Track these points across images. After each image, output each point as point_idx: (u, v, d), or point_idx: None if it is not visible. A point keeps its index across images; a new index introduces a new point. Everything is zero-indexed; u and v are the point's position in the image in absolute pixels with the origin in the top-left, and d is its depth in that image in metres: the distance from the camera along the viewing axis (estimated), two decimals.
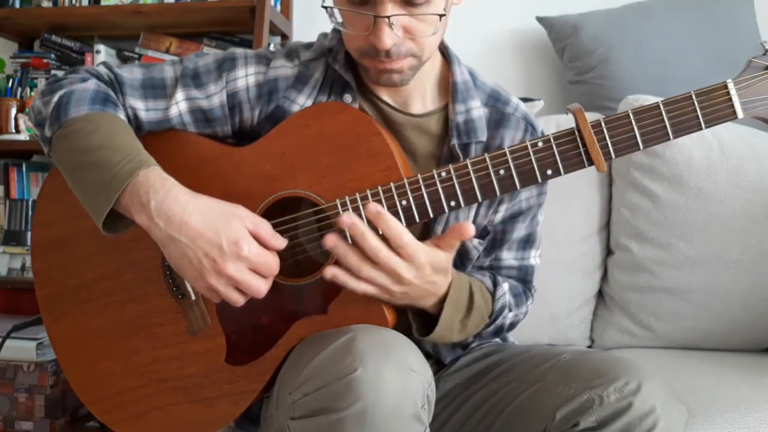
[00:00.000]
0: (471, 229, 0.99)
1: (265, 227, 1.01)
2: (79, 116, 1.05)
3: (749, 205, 1.66)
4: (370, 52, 1.04)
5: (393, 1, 0.99)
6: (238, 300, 1.00)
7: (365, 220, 0.99)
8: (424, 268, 0.99)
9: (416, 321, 1.12)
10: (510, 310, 1.20)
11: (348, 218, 0.97)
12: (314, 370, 0.92)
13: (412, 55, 1.05)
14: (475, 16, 2.22)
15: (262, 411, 1.16)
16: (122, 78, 1.13)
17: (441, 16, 1.02)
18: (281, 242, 1.02)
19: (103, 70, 1.14)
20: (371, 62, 1.06)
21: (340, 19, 1.05)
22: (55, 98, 1.07)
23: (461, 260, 1.19)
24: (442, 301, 1.06)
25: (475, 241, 1.19)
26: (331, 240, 0.98)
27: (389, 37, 1.00)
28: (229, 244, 0.96)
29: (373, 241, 0.97)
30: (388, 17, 0.99)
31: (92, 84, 1.10)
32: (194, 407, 1.11)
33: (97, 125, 1.04)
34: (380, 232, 0.97)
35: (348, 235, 0.98)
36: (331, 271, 0.98)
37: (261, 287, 0.99)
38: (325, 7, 1.06)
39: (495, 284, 1.18)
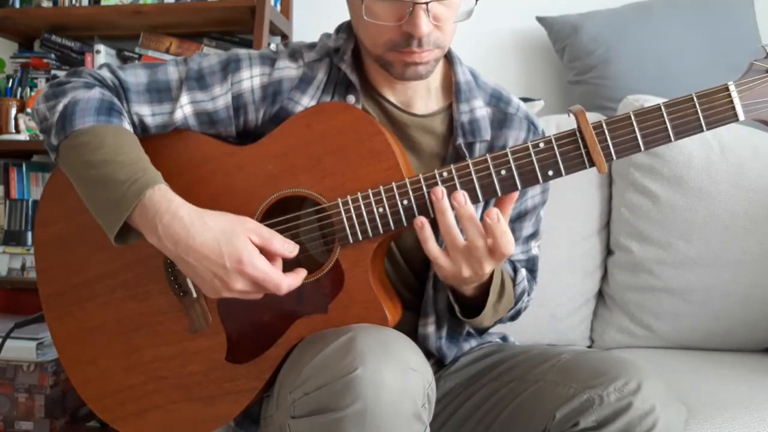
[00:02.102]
0: (514, 194, 1.01)
1: (274, 240, 1.02)
2: (84, 128, 1.05)
3: (749, 205, 1.66)
4: (401, 43, 1.05)
5: None
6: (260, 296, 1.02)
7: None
8: (501, 263, 1.03)
9: (458, 303, 1.14)
10: (528, 295, 1.24)
11: (461, 198, 0.99)
12: (315, 369, 0.92)
13: (438, 46, 1.08)
14: (475, 16, 2.21)
15: (262, 410, 1.16)
16: (127, 84, 1.12)
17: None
18: (293, 249, 1.03)
19: (106, 74, 1.13)
20: (399, 55, 1.07)
21: (364, 11, 1.05)
22: (60, 107, 1.07)
23: None
24: (481, 285, 1.09)
25: None
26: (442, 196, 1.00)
27: (426, 25, 1.03)
28: (232, 262, 0.98)
29: (475, 232, 0.99)
30: (426, 3, 1.01)
31: (96, 93, 1.09)
32: (194, 405, 1.12)
33: (102, 139, 1.04)
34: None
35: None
36: (421, 220, 1.00)
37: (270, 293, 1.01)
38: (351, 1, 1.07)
39: (515, 270, 1.22)
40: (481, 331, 1.28)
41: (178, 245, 0.99)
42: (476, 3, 1.07)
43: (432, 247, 1.01)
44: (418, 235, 1.01)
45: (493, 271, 1.07)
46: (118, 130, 1.07)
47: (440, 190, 1.00)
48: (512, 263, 1.24)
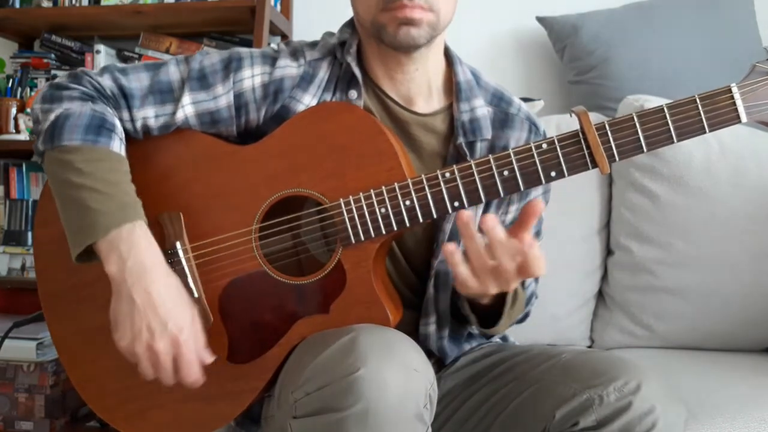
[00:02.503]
0: (542, 205, 0.99)
1: (203, 336, 1.05)
2: (70, 146, 1.05)
3: (749, 205, 1.66)
4: None
5: None
6: (147, 374, 1.04)
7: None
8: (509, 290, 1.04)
9: (474, 313, 1.15)
10: (536, 297, 1.25)
11: (491, 221, 0.96)
12: (316, 370, 0.92)
13: (432, 9, 1.07)
14: (475, 16, 2.22)
15: (263, 410, 1.16)
16: (130, 90, 1.12)
17: None
18: (208, 357, 1.05)
19: (107, 82, 1.12)
20: (391, 13, 1.07)
21: None
22: (52, 116, 1.08)
23: None
24: (496, 295, 1.07)
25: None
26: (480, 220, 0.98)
27: None
28: (175, 326, 1.01)
29: (507, 256, 0.97)
30: None
31: (88, 109, 1.08)
32: (195, 405, 1.11)
33: (84, 160, 1.04)
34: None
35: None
36: (452, 246, 0.98)
37: (169, 379, 1.03)
38: None
39: None
40: (490, 336, 1.28)
41: (137, 284, 1.01)
42: None
43: (462, 271, 0.99)
44: (447, 260, 0.99)
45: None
46: (103, 154, 1.06)
47: (466, 215, 0.96)
48: None
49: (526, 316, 1.28)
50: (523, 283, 1.20)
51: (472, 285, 1.00)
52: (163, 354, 1.01)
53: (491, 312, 1.13)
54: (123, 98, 1.12)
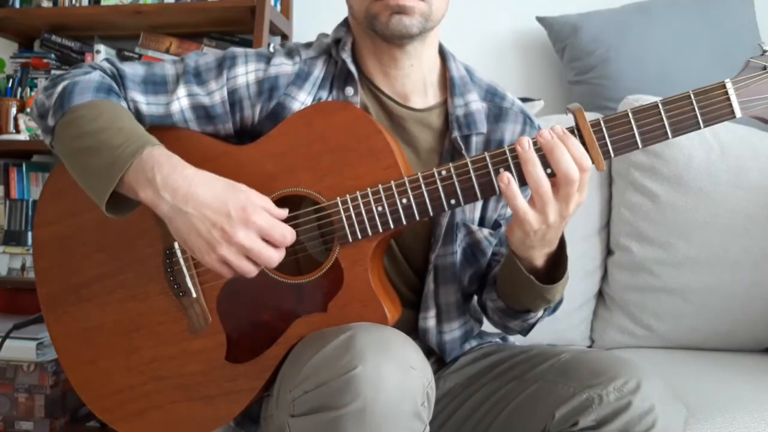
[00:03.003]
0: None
1: (268, 202, 1.02)
2: (82, 103, 1.06)
3: (749, 205, 1.66)
4: None
5: None
6: (251, 270, 1.00)
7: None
8: (566, 218, 1.00)
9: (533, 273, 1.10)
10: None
11: (550, 133, 0.96)
12: (314, 368, 0.92)
13: None
14: (475, 16, 2.22)
15: (262, 410, 1.16)
16: (124, 72, 1.14)
17: None
18: (283, 211, 1.02)
19: (105, 65, 1.15)
20: (383, 2, 1.07)
21: None
22: (59, 89, 1.09)
23: (473, 253, 1.20)
24: (551, 255, 1.06)
25: (486, 231, 1.19)
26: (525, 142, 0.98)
27: None
28: (237, 210, 0.97)
29: (569, 160, 0.96)
30: None
31: (96, 75, 1.11)
32: (194, 405, 1.11)
33: (99, 111, 1.05)
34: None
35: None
36: (507, 176, 0.97)
37: (273, 256, 1.00)
38: None
39: None
40: (464, 342, 1.25)
41: (176, 194, 0.98)
42: None
43: (521, 203, 0.97)
44: (503, 193, 0.97)
45: (561, 242, 1.05)
46: (117, 105, 1.08)
47: (526, 141, 0.97)
48: None
49: (560, 302, 1.21)
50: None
51: (532, 218, 0.98)
52: (248, 241, 0.97)
53: (547, 278, 1.08)
54: (119, 77, 1.13)
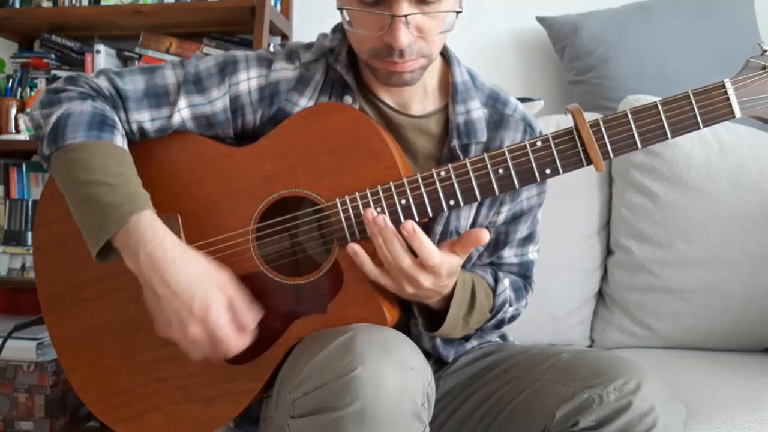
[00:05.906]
0: (486, 235, 1.01)
1: (239, 299, 1.04)
2: (75, 144, 1.06)
3: (749, 205, 1.66)
4: (383, 52, 1.03)
5: (408, 0, 0.99)
6: (196, 358, 1.04)
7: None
8: (441, 277, 1.02)
9: (421, 316, 1.13)
10: (510, 305, 1.22)
11: (381, 221, 1.00)
12: (314, 369, 0.92)
13: (423, 55, 1.05)
14: (475, 16, 2.22)
15: (262, 411, 1.16)
16: (125, 92, 1.12)
17: (458, 12, 1.04)
18: (251, 320, 1.04)
19: (103, 83, 1.13)
20: (382, 64, 1.05)
21: (348, 19, 1.05)
22: (53, 119, 1.08)
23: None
24: (447, 299, 1.08)
25: None
26: (368, 218, 1.01)
27: (405, 36, 1.00)
28: (200, 308, 1.00)
29: (398, 250, 1.00)
30: (405, 16, 0.99)
31: (89, 106, 1.09)
32: (194, 407, 1.11)
33: (91, 158, 1.05)
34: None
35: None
36: (353, 248, 1.01)
37: (217, 356, 1.04)
38: (340, 9, 1.06)
39: (496, 280, 1.20)
40: (456, 341, 1.25)
41: (153, 276, 1.01)
42: (457, 17, 1.04)
43: (370, 269, 1.02)
44: (354, 260, 1.02)
45: (455, 284, 1.07)
46: (108, 148, 1.07)
47: (370, 213, 1.01)
48: (494, 273, 1.21)
49: (501, 322, 1.24)
50: (494, 290, 1.18)
51: (386, 283, 1.02)
52: (198, 338, 1.01)
53: (443, 316, 1.11)
54: (119, 99, 1.12)
